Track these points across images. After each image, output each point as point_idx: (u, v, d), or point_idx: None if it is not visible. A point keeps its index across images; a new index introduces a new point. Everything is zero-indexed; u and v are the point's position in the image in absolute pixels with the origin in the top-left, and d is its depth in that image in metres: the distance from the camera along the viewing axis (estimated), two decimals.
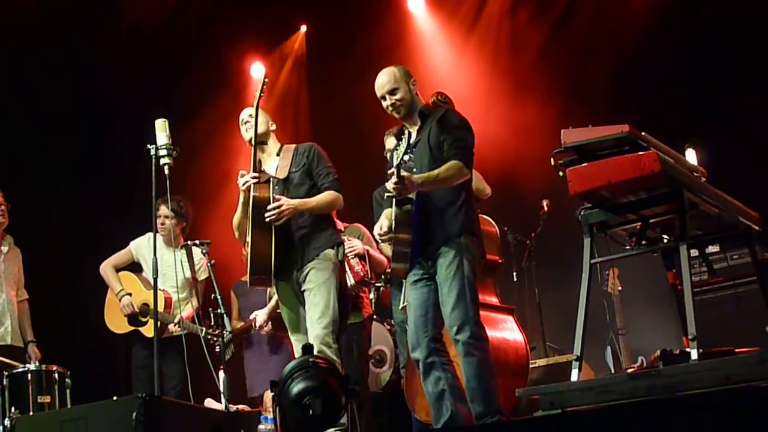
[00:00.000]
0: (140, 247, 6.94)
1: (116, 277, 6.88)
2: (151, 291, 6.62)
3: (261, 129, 5.43)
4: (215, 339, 6.22)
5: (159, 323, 6.53)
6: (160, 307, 6.62)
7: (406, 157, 4.73)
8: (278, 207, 5.16)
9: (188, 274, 6.51)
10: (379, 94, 5.05)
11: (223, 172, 8.85)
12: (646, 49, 7.99)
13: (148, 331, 6.72)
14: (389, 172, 4.69)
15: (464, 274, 4.73)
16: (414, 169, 4.84)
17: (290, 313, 5.37)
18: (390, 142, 6.04)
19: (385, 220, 4.92)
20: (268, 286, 5.45)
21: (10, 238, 6.84)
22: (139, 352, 6.82)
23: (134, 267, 7.01)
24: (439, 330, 4.85)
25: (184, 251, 5.96)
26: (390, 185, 4.64)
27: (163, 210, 6.69)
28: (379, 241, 5.12)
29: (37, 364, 6.25)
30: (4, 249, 6.76)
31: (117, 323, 6.85)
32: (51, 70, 8.42)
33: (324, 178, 5.39)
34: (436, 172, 4.74)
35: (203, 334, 6.21)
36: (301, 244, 5.30)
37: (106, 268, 6.89)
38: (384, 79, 5.04)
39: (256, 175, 5.30)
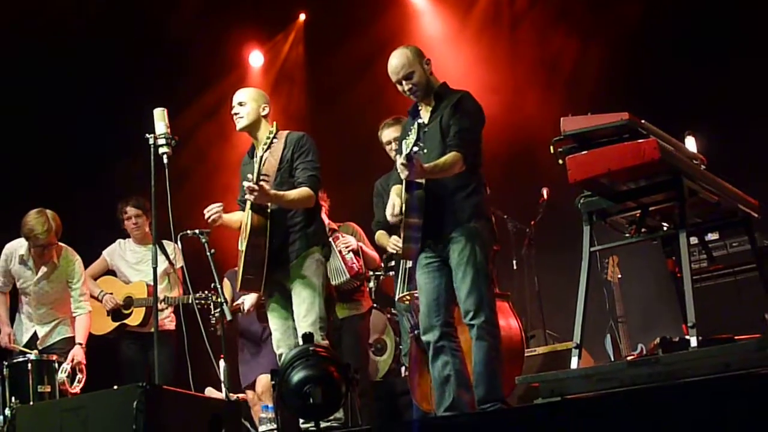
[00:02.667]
0: (113, 253, 7.16)
1: (94, 284, 6.99)
2: (131, 285, 6.97)
3: (251, 118, 5.36)
4: (206, 303, 6.32)
5: (145, 308, 6.77)
6: (144, 295, 6.74)
7: (415, 149, 4.60)
8: (258, 188, 5.01)
9: (164, 266, 6.56)
10: (394, 78, 4.95)
11: (220, 159, 8.86)
12: (645, 36, 7.98)
13: (133, 320, 6.86)
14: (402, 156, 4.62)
15: (477, 260, 4.73)
16: (425, 151, 4.78)
17: (276, 318, 5.32)
18: (386, 134, 5.99)
19: (396, 199, 4.85)
20: (257, 292, 5.42)
21: (54, 257, 6.52)
22: (127, 347, 6.88)
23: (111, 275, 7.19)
24: (450, 314, 4.87)
25: (156, 246, 5.98)
26: (400, 165, 4.60)
27: (132, 211, 6.99)
28: (390, 221, 4.99)
29: (67, 366, 6.25)
30: (42, 271, 6.51)
31: (99, 325, 6.89)
32: (45, 61, 8.38)
33: (300, 172, 5.25)
34: (441, 161, 4.72)
35: (191, 301, 6.28)
36: (289, 242, 5.23)
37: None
38: (398, 63, 4.91)
39: (219, 211, 5.26)
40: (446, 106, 4.90)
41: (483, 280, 4.74)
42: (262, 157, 5.21)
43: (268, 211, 5.20)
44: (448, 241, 4.80)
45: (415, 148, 4.57)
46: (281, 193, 5.17)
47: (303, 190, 5.20)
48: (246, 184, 5.04)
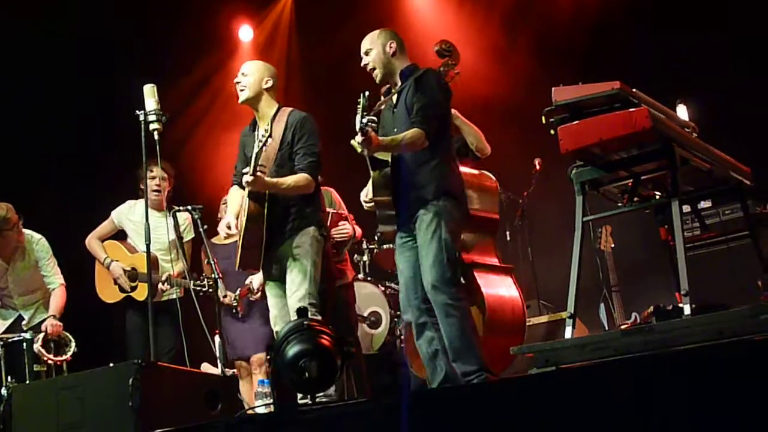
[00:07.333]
0: (121, 214, 6.88)
1: (101, 247, 6.80)
2: (136, 255, 6.75)
3: (253, 90, 5.35)
4: (205, 290, 6.21)
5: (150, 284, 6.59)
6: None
7: (365, 120, 4.63)
8: (255, 178, 5.00)
9: (173, 236, 6.41)
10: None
11: (211, 135, 8.82)
12: (637, 3, 7.95)
13: (139, 295, 6.65)
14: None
15: (441, 237, 4.73)
16: (395, 129, 4.89)
17: (274, 296, 5.32)
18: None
19: (370, 187, 4.91)
20: (257, 270, 5.42)
21: (21, 242, 6.58)
22: (133, 318, 6.78)
23: (119, 236, 6.96)
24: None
25: (170, 214, 5.92)
26: (356, 143, 4.63)
27: (158, 171, 6.57)
28: (365, 206, 5.07)
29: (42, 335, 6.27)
30: (15, 261, 6.55)
31: (108, 293, 6.78)
32: (32, 35, 8.31)
33: (301, 158, 5.22)
34: (399, 136, 4.78)
35: (192, 286, 6.20)
36: (287, 222, 5.23)
37: (91, 240, 6.81)
38: (364, 41, 5.10)
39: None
40: (410, 84, 4.94)
41: (446, 256, 4.73)
42: (262, 148, 5.18)
43: (265, 197, 5.18)
44: (416, 220, 4.84)
45: (364, 120, 4.59)
46: (279, 180, 5.14)
47: (301, 177, 5.18)
48: (245, 178, 5.02)
